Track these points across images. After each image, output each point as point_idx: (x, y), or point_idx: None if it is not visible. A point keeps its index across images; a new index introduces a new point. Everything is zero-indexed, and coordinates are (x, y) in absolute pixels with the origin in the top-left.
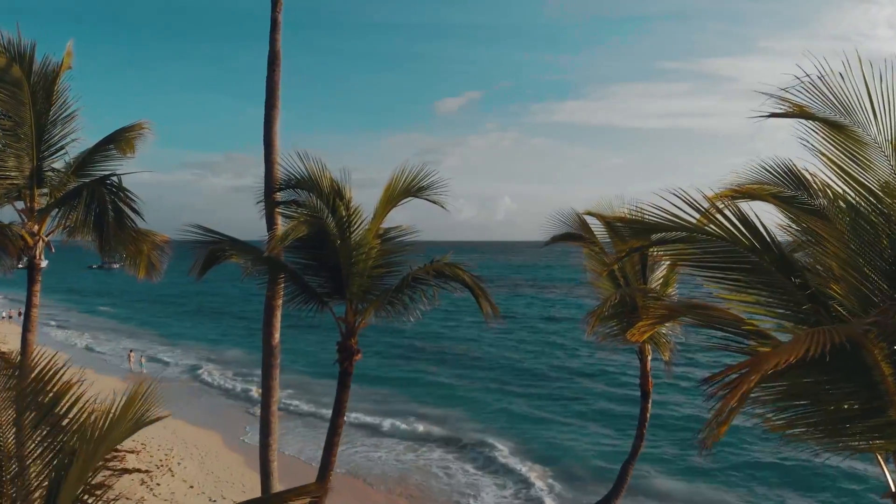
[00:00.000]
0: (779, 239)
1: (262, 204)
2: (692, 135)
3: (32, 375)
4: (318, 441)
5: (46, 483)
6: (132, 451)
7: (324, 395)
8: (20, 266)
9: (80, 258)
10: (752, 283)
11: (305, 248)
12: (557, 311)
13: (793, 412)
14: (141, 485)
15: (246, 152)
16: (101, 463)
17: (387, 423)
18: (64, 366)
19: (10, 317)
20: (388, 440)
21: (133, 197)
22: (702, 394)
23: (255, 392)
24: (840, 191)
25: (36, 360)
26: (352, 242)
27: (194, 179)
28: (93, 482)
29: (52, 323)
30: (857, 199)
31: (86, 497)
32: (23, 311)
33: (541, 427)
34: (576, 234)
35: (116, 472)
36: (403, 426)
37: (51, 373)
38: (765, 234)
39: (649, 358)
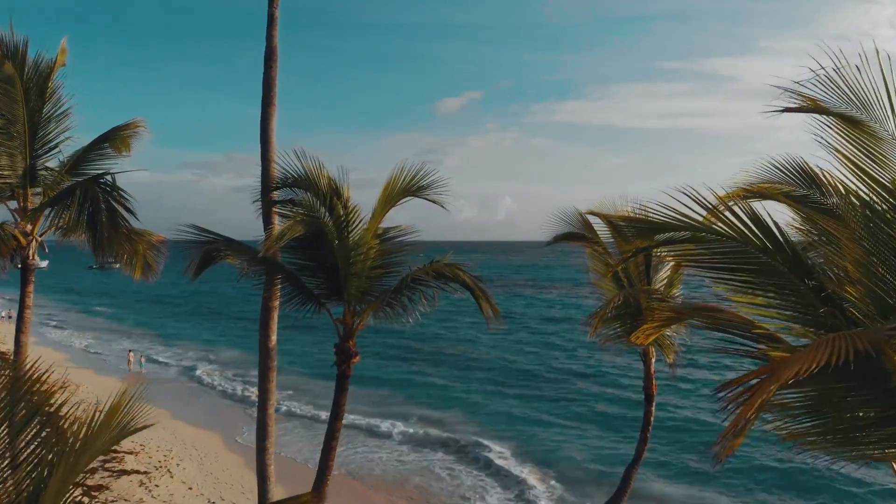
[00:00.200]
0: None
1: (259, 203)
2: (692, 135)
3: (10, 382)
4: (317, 442)
5: (25, 495)
6: (131, 453)
7: (322, 396)
8: (19, 266)
9: (80, 258)
10: (763, 284)
11: (302, 249)
12: (557, 312)
13: (806, 419)
14: (140, 486)
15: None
16: (81, 476)
17: (386, 425)
18: (49, 371)
19: (10, 316)
20: (386, 442)
21: (127, 196)
22: (717, 403)
23: (253, 395)
24: (854, 188)
25: (18, 365)
26: (350, 242)
27: (195, 179)
28: (86, 484)
29: (52, 323)
30: (873, 197)
31: None
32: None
33: (541, 429)
34: (579, 233)
35: (115, 474)
36: (402, 428)
37: (32, 379)
38: (777, 234)
39: (653, 360)
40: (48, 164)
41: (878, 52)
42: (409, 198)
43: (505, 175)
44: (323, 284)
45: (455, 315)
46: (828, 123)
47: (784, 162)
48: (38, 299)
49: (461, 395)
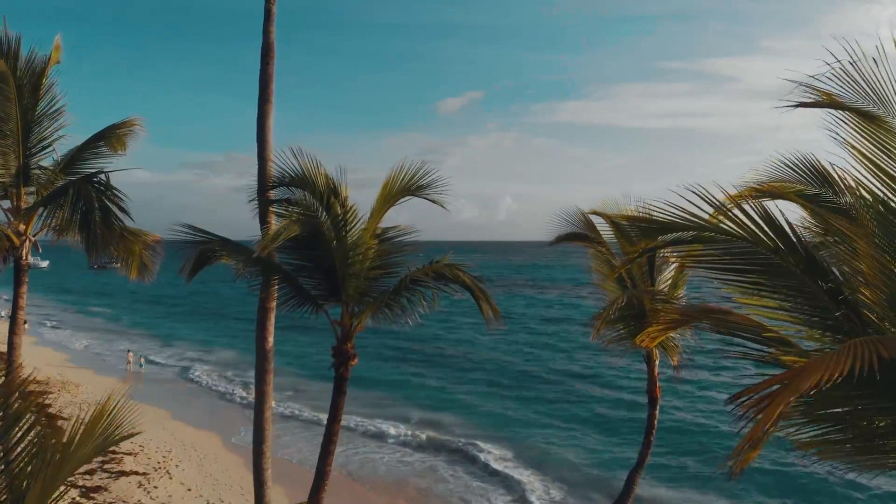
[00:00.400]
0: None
1: (255, 202)
2: (693, 135)
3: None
4: (316, 444)
5: None
6: (130, 454)
7: (322, 398)
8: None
9: (80, 259)
10: (774, 286)
11: (299, 249)
12: (557, 312)
13: (821, 427)
14: (138, 487)
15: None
16: (62, 489)
17: (385, 427)
18: (31, 376)
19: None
20: (386, 444)
21: (121, 195)
22: (730, 412)
23: (252, 395)
24: (870, 186)
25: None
26: (348, 242)
27: (195, 179)
28: (84, 485)
29: (51, 323)
30: (888, 194)
31: None
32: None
33: (541, 431)
34: (582, 234)
35: (113, 475)
36: (401, 430)
37: (11, 386)
38: (791, 234)
39: (657, 363)
40: (42, 163)
41: None
42: (408, 197)
43: (505, 175)
44: (320, 285)
45: (454, 315)
46: (843, 119)
47: (795, 160)
48: (37, 299)
49: (460, 397)
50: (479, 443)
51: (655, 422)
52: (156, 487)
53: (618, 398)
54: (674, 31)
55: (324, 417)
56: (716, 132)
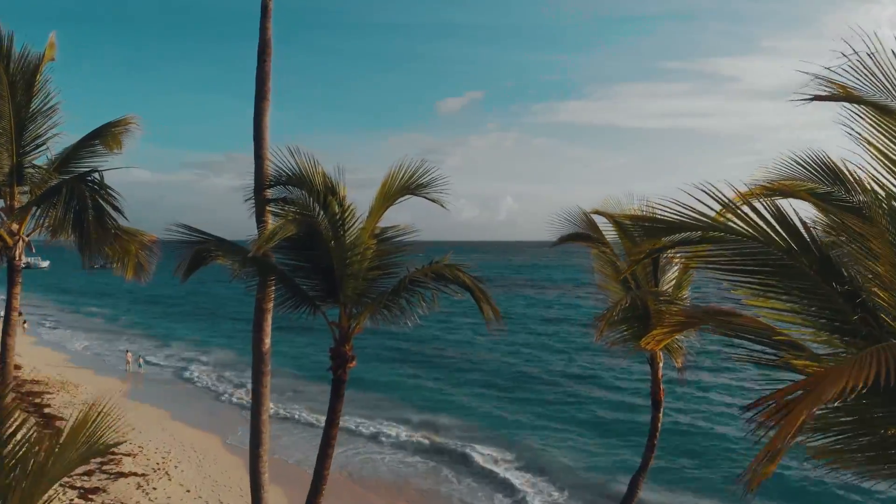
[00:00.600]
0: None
1: (252, 202)
2: (693, 135)
3: None
4: (315, 444)
5: None
6: (129, 455)
7: (321, 399)
8: (22, 265)
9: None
10: (786, 288)
11: (296, 249)
12: (557, 313)
13: (835, 436)
14: (137, 489)
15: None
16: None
17: (383, 428)
18: (21, 377)
19: (20, 313)
20: (384, 446)
21: (115, 194)
22: (746, 423)
23: (247, 396)
24: (886, 184)
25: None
26: (346, 242)
27: (196, 179)
28: (83, 487)
29: (51, 324)
30: None
31: None
32: (22, 312)
33: (540, 434)
34: (585, 234)
35: (112, 476)
36: (400, 431)
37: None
38: (804, 233)
39: (661, 365)
40: (36, 162)
41: None
42: (407, 196)
43: (506, 175)
44: (318, 286)
45: (453, 316)
46: (859, 113)
47: (805, 157)
48: (36, 299)
49: (460, 399)
50: (478, 445)
51: (659, 424)
52: (154, 489)
53: (618, 400)
54: (674, 30)
55: (323, 419)
56: (716, 132)
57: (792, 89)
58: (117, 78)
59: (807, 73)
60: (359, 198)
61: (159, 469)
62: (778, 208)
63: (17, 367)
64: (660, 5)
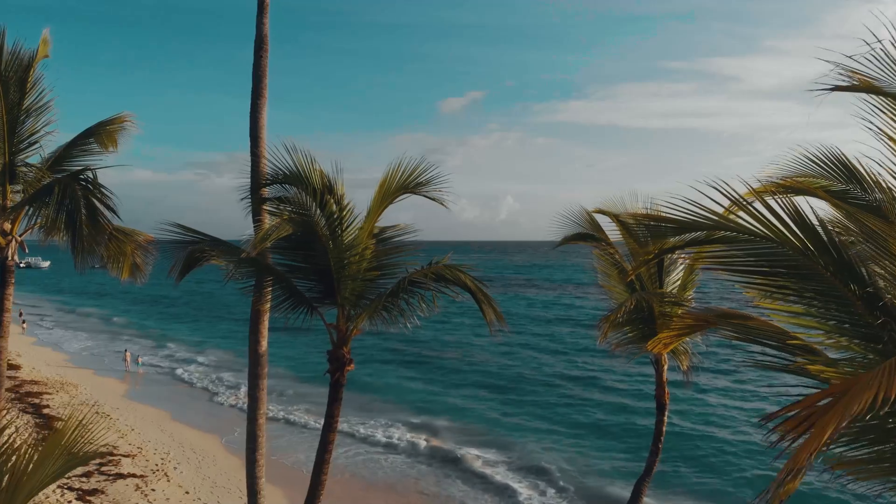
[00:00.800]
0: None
1: (247, 201)
2: (695, 135)
3: None
4: (314, 446)
5: None
6: (128, 455)
7: (320, 401)
8: (22, 265)
9: None
10: (801, 290)
11: (293, 249)
12: (557, 313)
13: (857, 445)
14: (136, 490)
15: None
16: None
17: (382, 431)
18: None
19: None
20: (383, 448)
21: (108, 193)
22: (765, 435)
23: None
24: None
25: None
26: (344, 242)
27: (198, 179)
28: (81, 488)
29: (49, 324)
30: None
31: None
32: (23, 312)
33: (540, 438)
34: (589, 234)
35: (111, 477)
36: (398, 434)
37: None
38: (822, 233)
39: (665, 367)
40: (29, 160)
41: None
42: (407, 195)
43: (507, 175)
44: (315, 287)
45: (452, 316)
46: (879, 106)
47: (820, 154)
48: (34, 300)
49: (458, 401)
50: (476, 448)
51: (664, 428)
52: (153, 490)
53: (618, 402)
54: (676, 30)
55: (322, 420)
56: (718, 132)
57: (793, 89)
58: (118, 77)
59: (828, 61)
60: (359, 198)
61: (158, 470)
62: (794, 206)
63: (17, 368)
64: (662, 5)
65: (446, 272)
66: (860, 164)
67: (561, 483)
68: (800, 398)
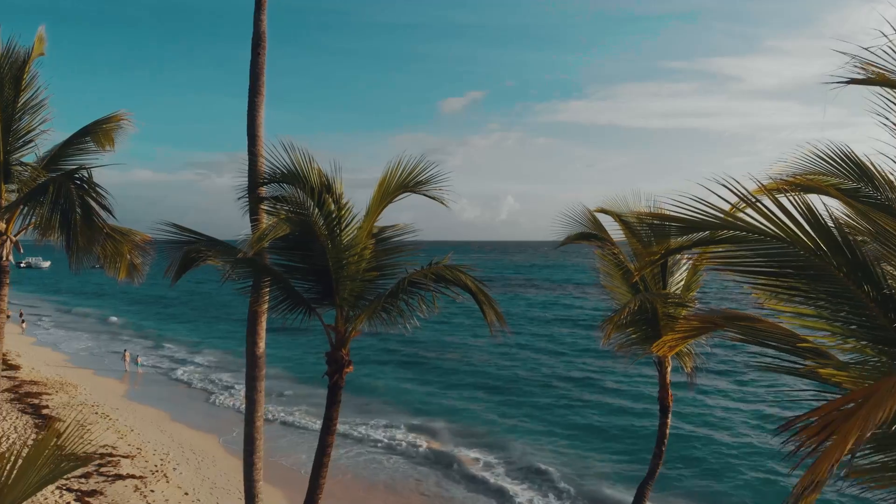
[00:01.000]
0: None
1: (244, 201)
2: (696, 135)
3: None
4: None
5: None
6: (127, 456)
7: (319, 401)
8: (23, 265)
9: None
10: (813, 292)
11: (291, 249)
12: (557, 313)
13: (878, 453)
14: (135, 491)
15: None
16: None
17: (380, 433)
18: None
19: (9, 316)
20: (382, 450)
21: (104, 192)
22: (782, 443)
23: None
24: None
25: None
26: (342, 242)
27: (199, 179)
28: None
29: (49, 324)
30: None
31: None
32: (23, 312)
33: (539, 440)
34: (592, 233)
35: (110, 478)
36: (397, 435)
37: None
38: (836, 233)
39: (669, 369)
40: (25, 159)
41: None
42: (406, 194)
43: (507, 175)
44: (313, 288)
45: (452, 316)
46: (894, 100)
47: (829, 151)
48: (34, 299)
49: (456, 403)
50: (475, 450)
51: (668, 430)
52: (153, 491)
53: (617, 404)
54: (677, 30)
55: (320, 421)
56: (718, 132)
57: (793, 89)
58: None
59: (844, 52)
60: (360, 198)
61: (157, 471)
62: (807, 204)
63: (16, 368)
64: (662, 5)
65: (446, 272)
66: (871, 161)
67: (560, 485)
68: (807, 402)
